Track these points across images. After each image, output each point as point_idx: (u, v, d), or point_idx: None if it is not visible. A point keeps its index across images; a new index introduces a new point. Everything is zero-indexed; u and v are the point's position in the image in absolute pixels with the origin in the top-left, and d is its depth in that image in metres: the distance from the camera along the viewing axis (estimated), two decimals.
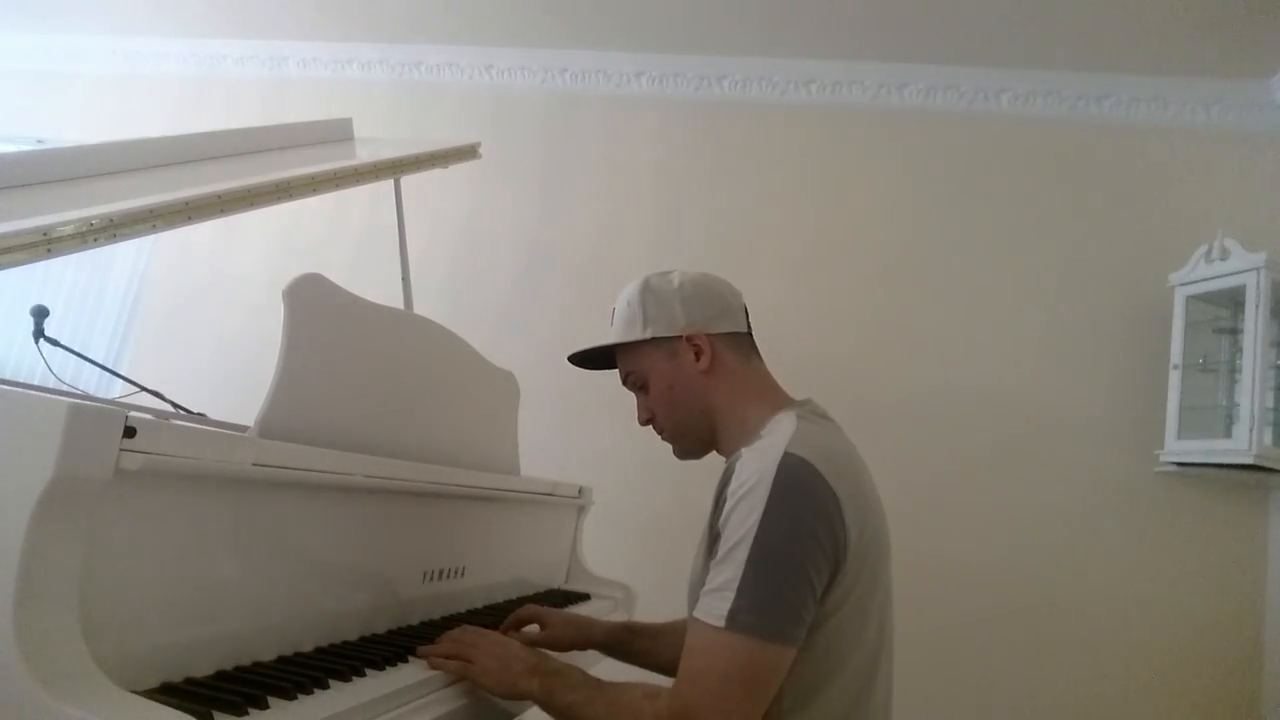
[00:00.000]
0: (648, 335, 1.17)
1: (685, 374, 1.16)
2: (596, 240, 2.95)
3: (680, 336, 1.16)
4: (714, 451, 1.21)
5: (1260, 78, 2.57)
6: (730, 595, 0.92)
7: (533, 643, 1.26)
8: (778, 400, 1.16)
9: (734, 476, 0.99)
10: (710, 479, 1.05)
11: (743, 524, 0.94)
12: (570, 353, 1.27)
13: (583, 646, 1.34)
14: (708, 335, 1.16)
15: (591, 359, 1.26)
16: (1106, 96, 2.70)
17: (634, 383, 1.22)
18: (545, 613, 1.34)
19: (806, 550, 0.94)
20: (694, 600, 1.00)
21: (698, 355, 1.15)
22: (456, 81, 3.20)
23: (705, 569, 1.00)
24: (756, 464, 0.97)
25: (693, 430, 1.19)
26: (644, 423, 1.23)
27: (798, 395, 1.18)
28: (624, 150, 3.02)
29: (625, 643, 1.36)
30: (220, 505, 0.86)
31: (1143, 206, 2.63)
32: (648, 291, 1.19)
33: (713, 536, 1.00)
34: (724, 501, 0.98)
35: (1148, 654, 2.37)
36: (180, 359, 3.02)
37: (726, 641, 0.92)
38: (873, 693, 1.03)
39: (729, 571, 0.94)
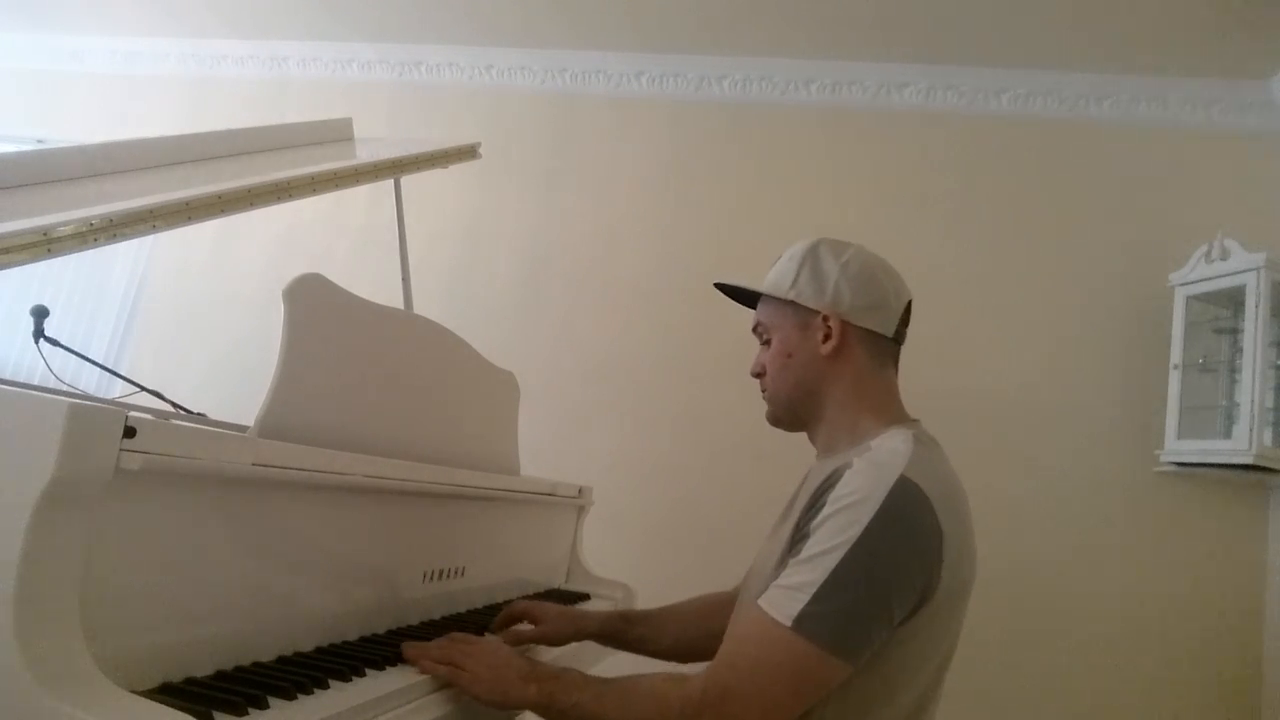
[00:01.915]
0: (790, 297, 1.14)
1: (807, 350, 1.13)
2: (596, 240, 2.95)
3: (818, 312, 1.12)
4: (804, 434, 1.19)
5: (1260, 78, 2.56)
6: (804, 598, 0.90)
7: (527, 639, 1.25)
8: (893, 414, 1.13)
9: (841, 483, 0.96)
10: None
11: (840, 533, 0.92)
12: (717, 281, 1.24)
13: (578, 638, 1.32)
14: (846, 323, 1.11)
15: (737, 293, 1.24)
16: (1106, 96, 2.70)
17: (761, 334, 1.20)
18: (537, 607, 1.32)
19: (896, 580, 0.92)
20: (758, 589, 0.98)
21: (826, 337, 1.11)
22: (456, 81, 3.20)
23: (782, 564, 0.97)
24: (870, 478, 0.95)
25: (793, 405, 1.16)
26: (754, 375, 1.21)
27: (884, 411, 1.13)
28: (624, 150, 3.02)
29: (621, 631, 1.34)
30: (220, 505, 0.86)
31: (1143, 206, 2.63)
32: (811, 255, 1.15)
33: (798, 535, 0.98)
34: (823, 505, 0.96)
35: (1147, 654, 2.37)
36: (180, 358, 3.03)
37: (787, 640, 0.90)
38: None
39: (810, 574, 0.91)
